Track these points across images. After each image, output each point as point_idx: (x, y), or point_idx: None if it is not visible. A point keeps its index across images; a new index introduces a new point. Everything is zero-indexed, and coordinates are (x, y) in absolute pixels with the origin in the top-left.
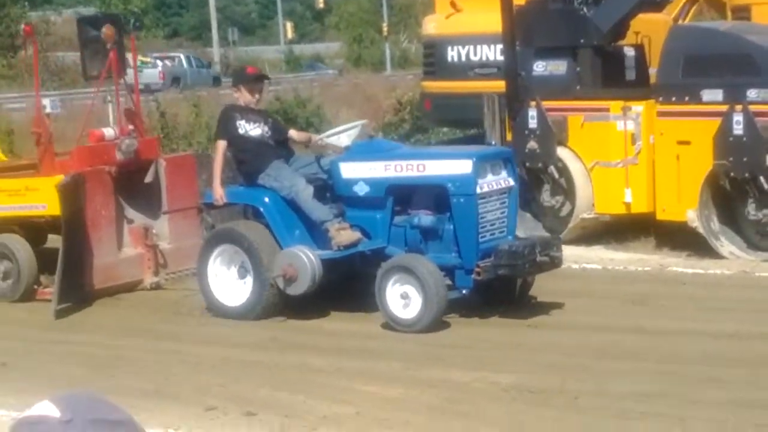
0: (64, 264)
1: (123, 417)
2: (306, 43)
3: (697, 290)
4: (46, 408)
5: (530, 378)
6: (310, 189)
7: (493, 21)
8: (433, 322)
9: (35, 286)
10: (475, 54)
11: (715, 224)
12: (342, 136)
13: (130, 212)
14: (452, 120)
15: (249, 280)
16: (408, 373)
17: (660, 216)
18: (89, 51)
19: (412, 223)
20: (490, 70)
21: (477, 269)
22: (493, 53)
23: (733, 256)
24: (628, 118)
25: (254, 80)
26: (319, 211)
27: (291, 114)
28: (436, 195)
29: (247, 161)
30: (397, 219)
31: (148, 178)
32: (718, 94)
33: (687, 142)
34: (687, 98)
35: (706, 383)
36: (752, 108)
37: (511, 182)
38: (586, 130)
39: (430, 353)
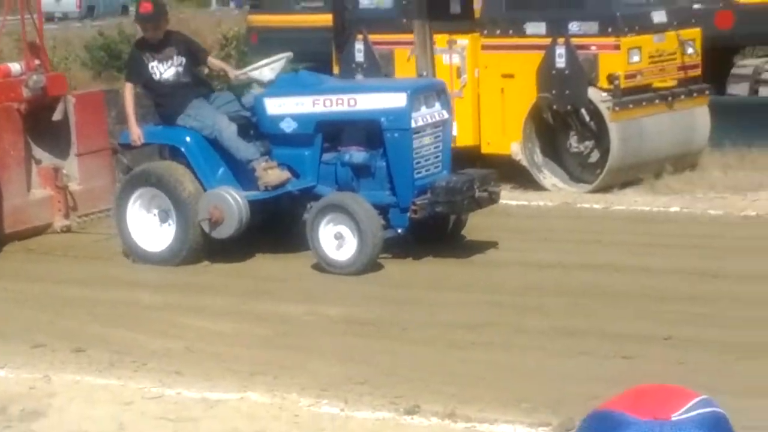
0: None
1: None
2: None
3: (521, 222)
4: None
5: (360, 310)
6: (233, 127)
7: None
8: (369, 263)
9: None
10: None
11: (539, 157)
12: (264, 69)
13: (38, 152)
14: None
15: (171, 224)
16: (239, 308)
17: (485, 149)
18: None
19: (342, 160)
20: (317, 4)
21: (413, 207)
22: None
23: (556, 188)
24: (454, 52)
25: (143, 20)
26: (244, 150)
27: (115, 50)
28: (367, 130)
29: (165, 105)
30: (327, 156)
31: (57, 116)
32: (541, 27)
33: (511, 76)
34: (511, 31)
35: (531, 312)
36: (574, 41)
37: (445, 115)
38: (412, 63)
39: (260, 287)
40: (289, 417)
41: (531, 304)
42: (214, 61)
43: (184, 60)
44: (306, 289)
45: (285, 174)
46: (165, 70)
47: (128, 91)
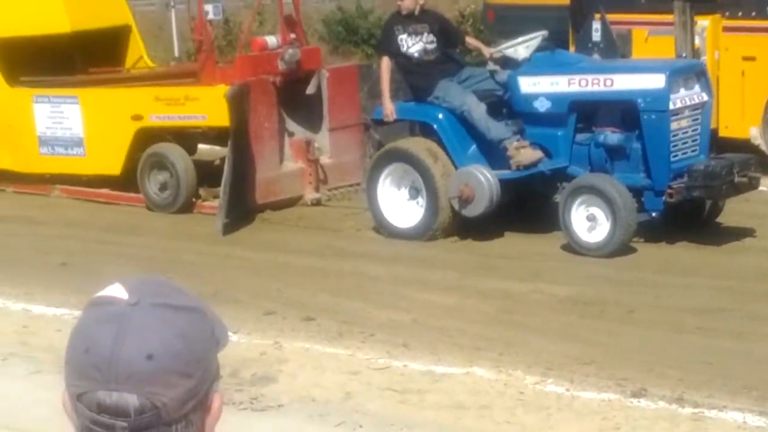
0: (231, 177)
1: (190, 304)
2: None
3: (757, 207)
4: (116, 290)
5: (586, 290)
6: (483, 106)
7: None
8: (621, 246)
9: (194, 200)
10: None
11: None
12: (519, 47)
13: (291, 125)
14: (515, 32)
15: (421, 200)
16: (463, 283)
17: (723, 133)
18: None
19: (596, 141)
20: None
21: (669, 191)
22: None
23: None
24: (693, 33)
25: None
26: (494, 129)
27: (353, 25)
28: (623, 111)
29: (413, 83)
30: (580, 137)
31: (310, 90)
32: None
33: (752, 58)
34: (753, 13)
35: (763, 299)
36: None
37: (705, 97)
38: (650, 44)
39: (485, 264)
40: (514, 393)
41: (764, 291)
42: (471, 41)
43: (434, 39)
44: (533, 268)
45: (538, 153)
46: (412, 44)
47: (384, 65)
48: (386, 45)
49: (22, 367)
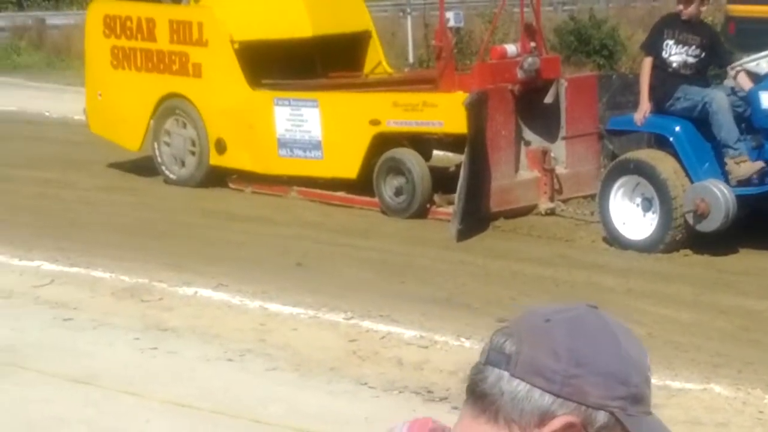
0: (467, 184)
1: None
2: None
3: None
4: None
5: None
6: (728, 101)
7: None
8: None
9: (428, 205)
10: None
11: None
12: (762, 62)
13: (528, 133)
14: (757, 46)
15: (654, 213)
16: (699, 298)
17: None
18: None
19: None
20: None
21: None
22: None
23: None
24: None
25: None
26: (727, 128)
27: (585, 35)
28: None
29: (657, 89)
30: None
31: (549, 99)
32: None
33: None
34: None
35: None
36: None
37: None
38: None
39: (721, 279)
40: (753, 412)
41: None
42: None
43: (701, 54)
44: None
45: (757, 164)
46: (675, 52)
47: (646, 64)
48: (649, 44)
49: (259, 363)
